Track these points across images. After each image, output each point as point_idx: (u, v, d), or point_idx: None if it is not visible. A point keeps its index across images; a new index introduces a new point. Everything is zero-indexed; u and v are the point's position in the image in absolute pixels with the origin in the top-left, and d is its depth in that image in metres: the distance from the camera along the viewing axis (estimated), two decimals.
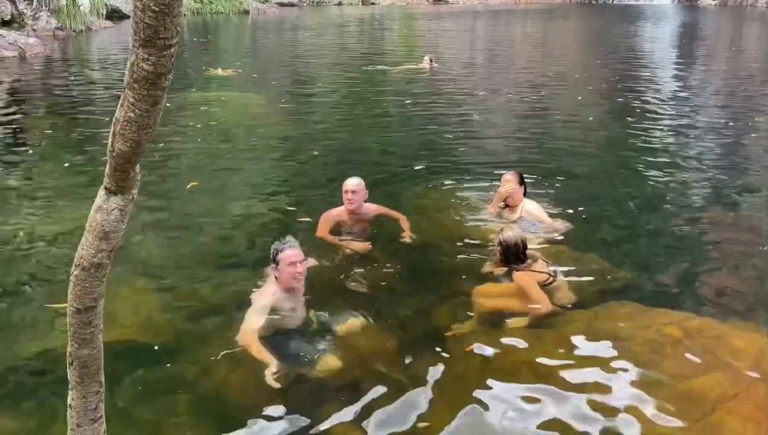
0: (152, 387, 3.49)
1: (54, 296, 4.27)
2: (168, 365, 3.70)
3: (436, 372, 3.61)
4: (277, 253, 3.99)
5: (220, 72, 14.33)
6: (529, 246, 4.58)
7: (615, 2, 49.52)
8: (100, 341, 1.94)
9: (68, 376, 2.01)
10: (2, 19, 19.29)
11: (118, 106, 1.27)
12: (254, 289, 4.25)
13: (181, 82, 12.49)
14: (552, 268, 4.49)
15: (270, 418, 3.27)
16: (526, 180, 5.62)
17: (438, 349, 3.82)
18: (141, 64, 1.18)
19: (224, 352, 3.70)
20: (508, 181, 5.46)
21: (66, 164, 7.65)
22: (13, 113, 10.77)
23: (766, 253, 5.17)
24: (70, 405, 2.06)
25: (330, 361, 3.67)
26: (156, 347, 3.85)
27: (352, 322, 4.03)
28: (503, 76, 15.45)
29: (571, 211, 5.84)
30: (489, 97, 12.58)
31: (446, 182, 6.89)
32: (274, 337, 3.84)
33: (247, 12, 36.29)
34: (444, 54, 18.78)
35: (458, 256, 5.05)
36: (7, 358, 3.72)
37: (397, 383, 3.53)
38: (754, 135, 9.23)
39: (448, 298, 4.41)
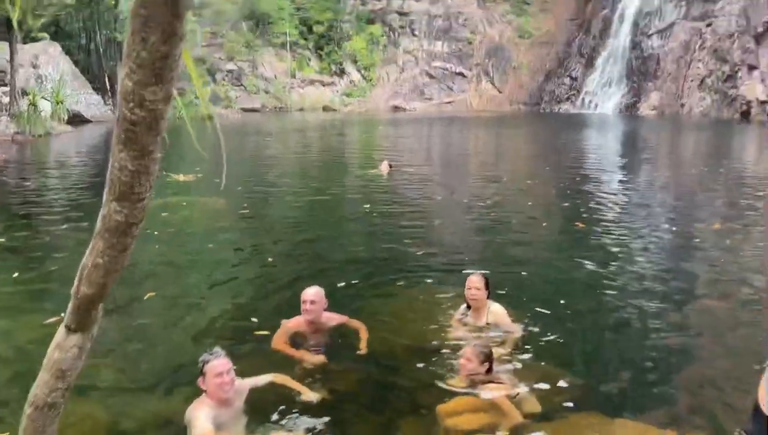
0: None
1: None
2: None
3: None
4: (204, 365, 3.90)
5: (180, 177, 14.44)
6: (494, 355, 4.59)
7: (561, 111, 52.76)
8: None
9: None
10: None
11: (87, 253, 1.30)
12: None
13: None
14: (517, 379, 4.49)
15: None
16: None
17: None
18: (113, 216, 1.23)
19: None
20: (474, 285, 5.48)
21: (16, 274, 7.43)
22: None
23: (720, 361, 5.29)
24: None
25: None
26: None
27: None
28: (459, 181, 16.01)
29: (528, 316, 5.92)
30: (445, 202, 12.96)
31: (407, 288, 6.93)
32: None
33: (210, 117, 37.14)
34: (402, 159, 19.45)
35: (422, 368, 4.98)
36: None
37: None
38: (697, 241, 9.67)
39: (411, 414, 4.32)
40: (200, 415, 3.80)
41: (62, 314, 4.94)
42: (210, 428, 3.70)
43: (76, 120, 25.84)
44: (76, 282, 1.38)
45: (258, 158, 19.98)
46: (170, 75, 1.17)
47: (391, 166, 15.87)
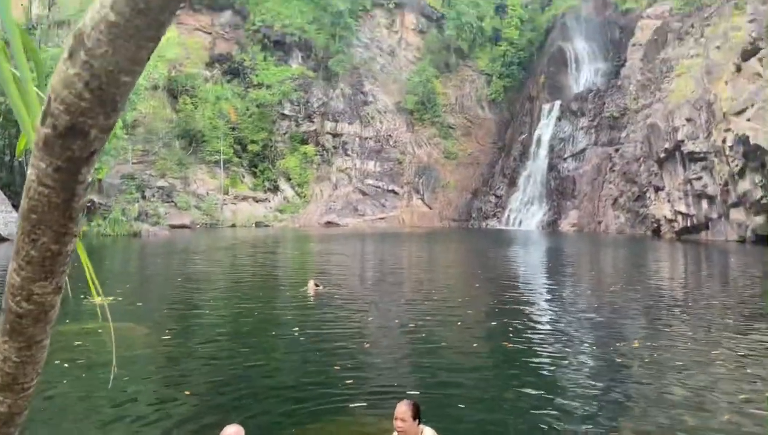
0: None
1: None
2: None
3: None
4: None
5: (99, 300, 13.77)
6: None
7: (488, 227, 54.93)
8: None
9: None
10: None
11: None
12: None
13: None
14: None
15: None
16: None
17: None
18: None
19: None
20: (400, 416, 5.31)
21: None
22: None
23: None
24: None
25: None
26: None
27: None
28: (390, 300, 16.04)
29: None
30: (376, 323, 12.88)
31: (336, 417, 6.68)
32: None
33: (137, 234, 36.35)
34: (333, 277, 19.41)
35: None
36: None
37: None
38: (618, 359, 9.93)
39: None
40: None
41: None
42: None
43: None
44: None
45: (184, 278, 19.45)
46: (61, 269, 1.16)
47: (317, 286, 15.86)
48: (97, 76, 0.98)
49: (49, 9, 36.94)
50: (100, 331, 11.01)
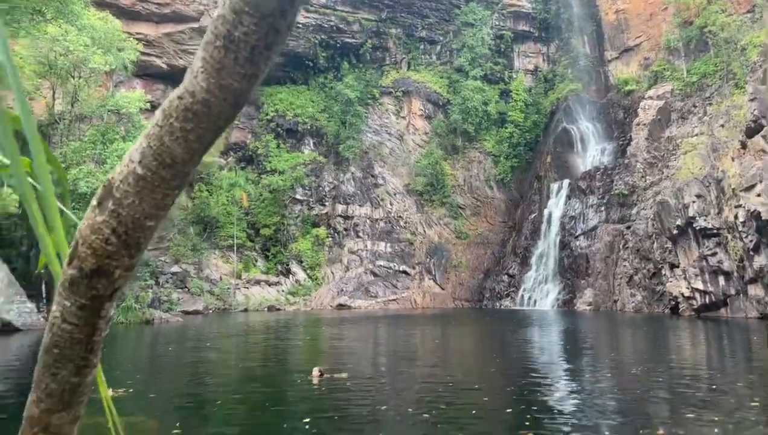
0: None
1: None
2: None
3: None
4: None
5: (110, 392, 13.59)
6: None
7: (502, 307, 54.21)
8: None
9: None
10: None
11: None
12: None
13: None
14: None
15: None
16: None
17: None
18: None
19: None
20: None
21: None
22: None
23: None
24: None
25: None
26: None
27: None
28: (403, 386, 15.65)
29: None
30: (390, 411, 12.53)
31: None
32: None
33: (149, 322, 36.22)
34: (343, 363, 19.05)
35: None
36: None
37: None
38: None
39: None
40: None
41: None
42: None
43: (6, 329, 24.67)
44: None
45: (196, 367, 19.19)
46: (80, 399, 1.18)
47: (321, 374, 15.67)
48: (123, 223, 1.05)
49: (72, 105, 38.64)
50: (109, 426, 10.77)
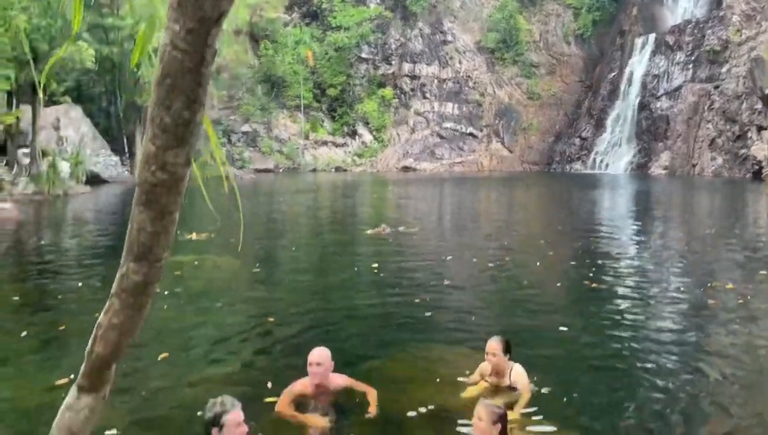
0: None
1: None
2: None
3: None
4: (221, 416, 3.85)
5: (193, 236, 14.56)
6: (510, 417, 4.46)
7: (572, 171, 53.15)
8: None
9: None
10: None
11: (103, 312, 1.32)
12: None
13: None
14: None
15: None
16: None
17: None
18: (131, 276, 1.25)
19: None
20: (492, 350, 5.32)
21: (24, 333, 7.43)
22: None
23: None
24: None
25: None
26: None
27: None
28: (469, 241, 15.99)
29: (542, 377, 5.79)
30: (456, 262, 12.92)
31: (418, 350, 6.83)
32: None
33: (226, 178, 37.83)
34: (411, 219, 19.53)
35: (433, 431, 4.87)
36: None
37: None
38: (710, 301, 9.52)
39: None
40: None
41: (73, 375, 4.91)
42: None
43: (94, 180, 26.39)
44: (90, 342, 1.39)
45: (270, 219, 20.16)
46: (191, 139, 1.21)
47: (385, 229, 15.78)
48: None
49: None
50: (196, 263, 11.68)
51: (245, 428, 3.89)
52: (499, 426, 4.27)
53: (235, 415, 3.86)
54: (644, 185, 37.43)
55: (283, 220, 19.62)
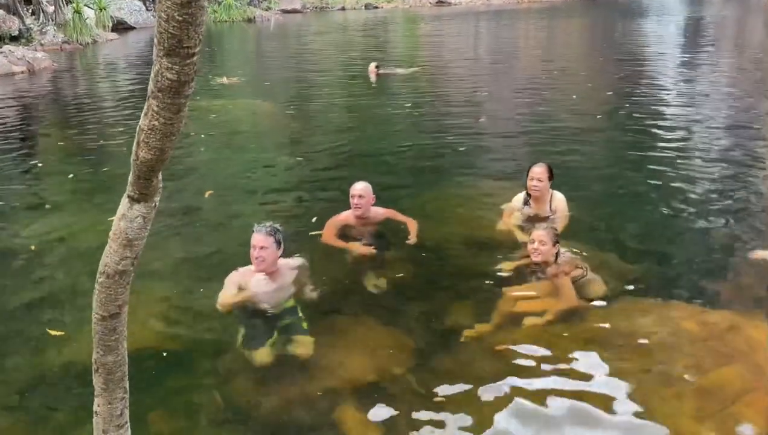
0: (170, 394, 3.52)
1: (72, 304, 4.34)
2: (185, 372, 3.74)
3: (451, 371, 3.62)
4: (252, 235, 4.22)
5: (225, 80, 14.40)
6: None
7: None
8: (125, 348, 1.97)
9: (94, 383, 2.03)
10: (10, 34, 19.50)
11: (142, 115, 1.30)
12: None
13: None
14: (577, 266, 4.46)
15: (283, 420, 3.30)
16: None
17: (454, 348, 3.82)
18: (165, 73, 1.20)
19: (239, 358, 3.76)
20: (537, 176, 5.27)
21: (71, 175, 7.73)
22: (23, 126, 10.89)
23: None
24: (96, 412, 2.08)
25: (307, 348, 3.83)
26: (172, 354, 3.88)
27: (352, 321, 4.18)
28: (508, 76, 15.45)
29: (583, 205, 5.83)
30: (494, 97, 12.58)
31: (456, 183, 6.89)
32: (249, 315, 4.10)
33: (251, 20, 36.52)
34: (446, 56, 18.80)
35: (476, 257, 5.02)
36: (33, 369, 3.77)
37: (406, 383, 3.54)
38: (760, 128, 9.17)
39: (464, 299, 4.41)
40: (229, 281, 4.22)
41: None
42: (230, 293, 4.13)
43: (121, 27, 25.79)
44: (134, 147, 1.40)
45: (299, 60, 19.66)
46: None
47: (377, 68, 14.69)
48: None
49: None
50: (229, 106, 11.66)
51: (257, 253, 4.12)
52: (557, 247, 4.42)
53: (253, 237, 4.16)
54: (697, 10, 34.78)
55: (313, 61, 19.13)
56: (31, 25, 20.52)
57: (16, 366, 3.79)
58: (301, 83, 15.07)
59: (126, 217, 1.60)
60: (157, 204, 1.61)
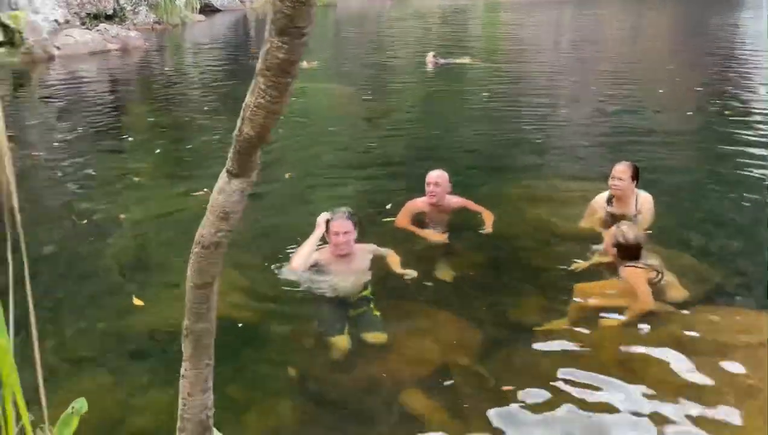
0: (248, 364, 3.65)
1: (155, 272, 4.57)
2: (261, 345, 3.87)
3: (520, 366, 3.58)
4: (329, 221, 4.34)
5: (304, 64, 14.61)
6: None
7: None
8: (214, 317, 2.05)
9: (183, 348, 2.13)
10: (105, 13, 20.53)
11: (249, 92, 1.34)
12: None
13: None
14: (658, 267, 4.29)
15: (356, 399, 3.37)
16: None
17: (524, 343, 3.77)
18: (275, 52, 1.23)
19: (314, 338, 3.87)
20: (618, 174, 5.04)
21: (157, 150, 8.08)
22: (115, 101, 11.49)
23: None
24: (183, 375, 2.18)
25: (379, 336, 3.85)
26: (248, 327, 4.02)
27: (422, 309, 4.18)
28: (590, 68, 14.95)
29: (670, 206, 5.59)
30: (575, 90, 12.23)
31: (535, 177, 6.76)
32: (325, 299, 4.19)
33: (330, 4, 36.90)
34: (525, 46, 18.38)
35: (552, 253, 4.90)
36: (118, 331, 3.99)
37: (473, 374, 3.53)
38: None
39: (537, 294, 4.33)
40: (303, 250, 4.38)
41: (206, 189, 5.38)
42: (300, 263, 4.31)
43: (208, 9, 26.67)
44: (238, 124, 1.44)
45: (380, 47, 19.73)
46: None
47: (435, 57, 14.55)
48: None
49: None
50: (306, 90, 11.83)
51: (341, 238, 4.22)
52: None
53: (335, 223, 4.25)
54: None
55: (392, 48, 19.15)
56: (125, 5, 21.51)
57: (103, 328, 4.02)
58: (379, 69, 15.13)
59: (224, 190, 1.66)
60: (254, 180, 1.66)
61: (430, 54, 14.85)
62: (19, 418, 1.58)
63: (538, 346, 3.73)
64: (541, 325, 3.91)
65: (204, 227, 1.78)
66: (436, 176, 5.25)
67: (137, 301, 4.21)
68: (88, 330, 3.98)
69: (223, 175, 1.68)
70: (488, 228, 5.21)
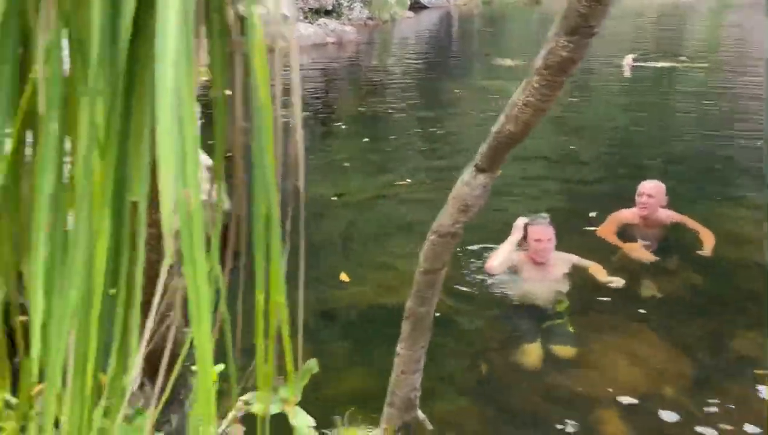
0: (438, 356, 3.74)
1: (359, 253, 4.89)
2: (452, 338, 3.94)
3: (735, 406, 3.24)
4: (528, 226, 4.27)
5: (507, 62, 14.49)
6: None
7: None
8: (435, 302, 2.15)
9: (402, 328, 2.27)
10: (325, 9, 22.16)
11: (519, 90, 1.38)
12: None
13: (467, 71, 13.04)
14: None
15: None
16: None
17: (740, 381, 3.41)
18: (559, 51, 1.25)
19: (503, 342, 3.88)
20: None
21: (366, 139, 8.56)
22: (330, 90, 12.40)
23: None
24: (398, 353, 2.32)
25: (572, 351, 3.74)
26: (442, 319, 4.09)
27: (622, 327, 3.99)
28: None
29: None
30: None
31: (763, 196, 6.02)
32: (517, 307, 4.15)
33: (538, 2, 36.05)
34: (746, 50, 16.33)
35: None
36: (323, 304, 4.32)
37: (683, 407, 3.26)
38: None
39: (759, 327, 3.88)
40: (502, 252, 4.31)
41: (408, 179, 5.64)
42: (497, 265, 4.26)
43: (416, 6, 27.59)
44: (500, 121, 1.49)
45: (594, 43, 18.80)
46: None
47: (634, 59, 13.59)
48: None
49: None
50: (509, 88, 11.71)
51: (544, 245, 4.15)
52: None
53: (537, 229, 4.19)
54: None
55: (599, 47, 18.14)
56: (342, 1, 23.01)
57: (309, 298, 4.38)
58: (585, 71, 14.45)
59: (469, 184, 1.73)
60: (497, 175, 1.71)
61: (629, 56, 14.13)
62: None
63: (760, 388, 3.34)
64: (761, 367, 3.49)
65: (443, 217, 1.87)
66: (650, 187, 4.90)
67: (344, 277, 4.53)
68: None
69: (470, 169, 1.75)
70: (707, 251, 4.75)
